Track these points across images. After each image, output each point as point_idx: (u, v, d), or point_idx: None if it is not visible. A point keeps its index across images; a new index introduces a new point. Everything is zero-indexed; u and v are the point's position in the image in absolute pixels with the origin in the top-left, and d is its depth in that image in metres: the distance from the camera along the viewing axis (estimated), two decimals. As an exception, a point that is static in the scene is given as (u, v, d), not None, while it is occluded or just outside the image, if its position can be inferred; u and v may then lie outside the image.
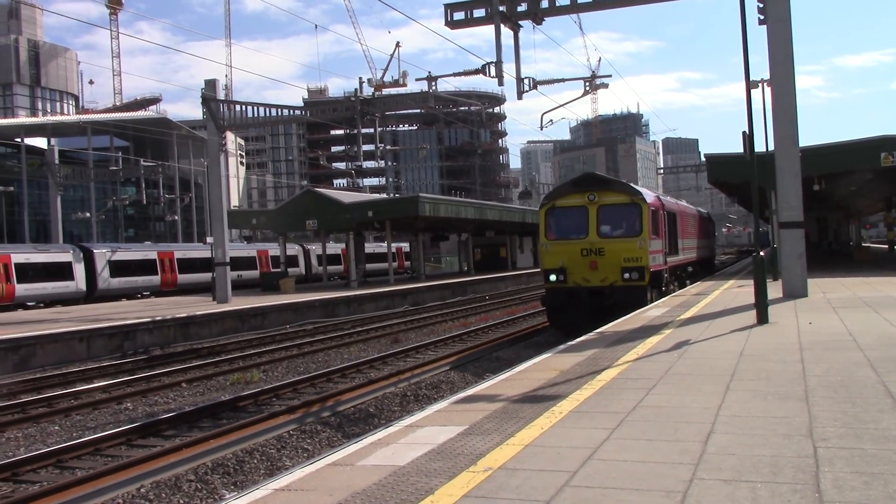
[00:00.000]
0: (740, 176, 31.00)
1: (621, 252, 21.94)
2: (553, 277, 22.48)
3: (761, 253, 16.47)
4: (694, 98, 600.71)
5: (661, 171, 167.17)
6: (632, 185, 24.47)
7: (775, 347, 11.79)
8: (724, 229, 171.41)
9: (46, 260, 44.32)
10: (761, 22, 20.18)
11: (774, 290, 19.62)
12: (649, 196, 23.65)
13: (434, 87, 34.99)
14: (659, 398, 8.51)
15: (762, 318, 14.86)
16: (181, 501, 9.75)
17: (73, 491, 9.85)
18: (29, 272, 42.48)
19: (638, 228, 22.13)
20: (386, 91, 68.28)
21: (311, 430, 13.13)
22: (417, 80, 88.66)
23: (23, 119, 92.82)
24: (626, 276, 21.72)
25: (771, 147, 23.88)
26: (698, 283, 31.61)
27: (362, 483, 5.85)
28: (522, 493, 5.41)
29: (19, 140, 74.50)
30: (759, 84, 31.01)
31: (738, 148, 21.85)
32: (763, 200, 29.86)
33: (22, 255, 43.00)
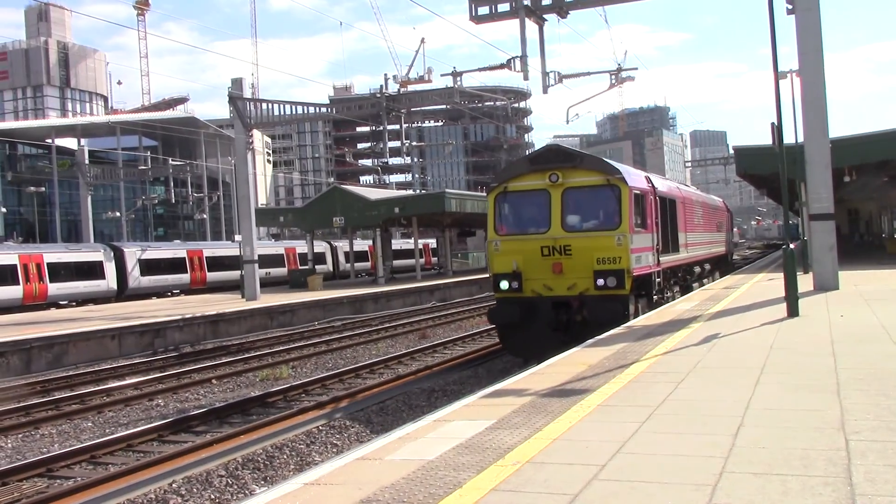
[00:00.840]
0: (769, 168, 30.64)
1: (594, 250, 16.65)
2: (504, 285, 17.12)
3: (791, 245, 16.32)
4: (722, 90, 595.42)
5: (689, 164, 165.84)
6: (609, 161, 18.44)
7: (806, 340, 11.67)
8: (753, 222, 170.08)
9: (78, 259, 44.87)
10: (789, 12, 19.96)
11: (805, 283, 19.39)
12: (633, 176, 18.29)
13: (459, 83, 34.96)
14: (688, 392, 8.46)
15: (793, 312, 14.71)
16: (212, 496, 9.84)
17: (107, 486, 9.98)
18: (61, 271, 43.02)
19: (616, 219, 16.80)
20: (411, 87, 68.29)
21: (339, 426, 13.19)
22: (442, 75, 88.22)
23: (53, 120, 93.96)
24: (601, 282, 16.45)
25: (800, 139, 23.62)
26: (727, 277, 31.32)
27: (391, 477, 5.87)
28: (551, 487, 5.40)
29: (50, 141, 75.41)
30: (788, 74, 30.69)
31: (767, 140, 21.19)
32: (793, 192, 29.55)
33: (54, 255, 43.56)
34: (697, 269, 25.64)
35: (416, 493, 5.43)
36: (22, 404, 16.42)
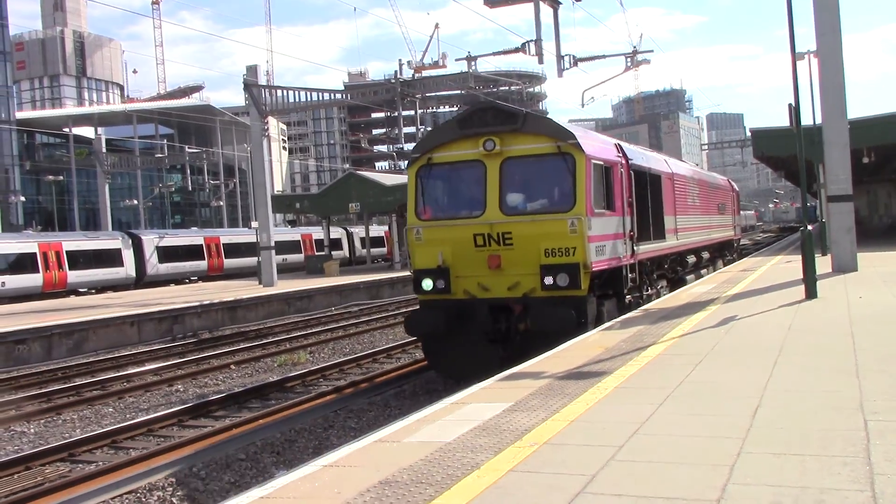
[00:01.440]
0: (787, 150, 30.44)
1: (541, 239, 13.04)
2: (427, 284, 13.67)
3: (809, 227, 16.23)
4: (739, 72, 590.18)
5: (706, 146, 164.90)
6: (560, 123, 14.27)
7: (824, 322, 11.63)
8: (770, 205, 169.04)
9: (96, 247, 45.17)
10: (807, -8, 19.76)
11: (823, 265, 19.31)
12: (595, 143, 14.44)
13: (474, 68, 34.84)
14: (706, 373, 8.45)
15: (811, 293, 14.65)
16: (232, 479, 9.93)
17: (128, 470, 10.07)
18: (80, 259, 43.33)
19: (569, 198, 13.12)
20: (426, 73, 68.08)
21: (357, 410, 13.26)
22: (457, 60, 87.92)
23: (70, 109, 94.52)
24: (549, 280, 12.85)
25: (818, 120, 23.44)
26: (744, 259, 31.18)
27: (409, 459, 5.92)
28: (568, 468, 5.43)
29: (67, 130, 75.88)
30: (806, 56, 30.41)
31: (785, 122, 20.94)
32: (810, 174, 29.36)
33: (73, 243, 43.87)
34: (692, 259, 22.09)
35: (434, 475, 5.47)
36: (43, 390, 16.59)
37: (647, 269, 16.91)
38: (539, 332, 12.64)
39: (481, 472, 5.46)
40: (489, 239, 13.27)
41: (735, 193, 32.37)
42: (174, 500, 9.27)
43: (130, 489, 9.54)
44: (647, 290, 17.03)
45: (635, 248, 15.32)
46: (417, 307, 14.63)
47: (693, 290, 18.53)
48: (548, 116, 15.13)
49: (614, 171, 14.43)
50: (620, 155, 15.22)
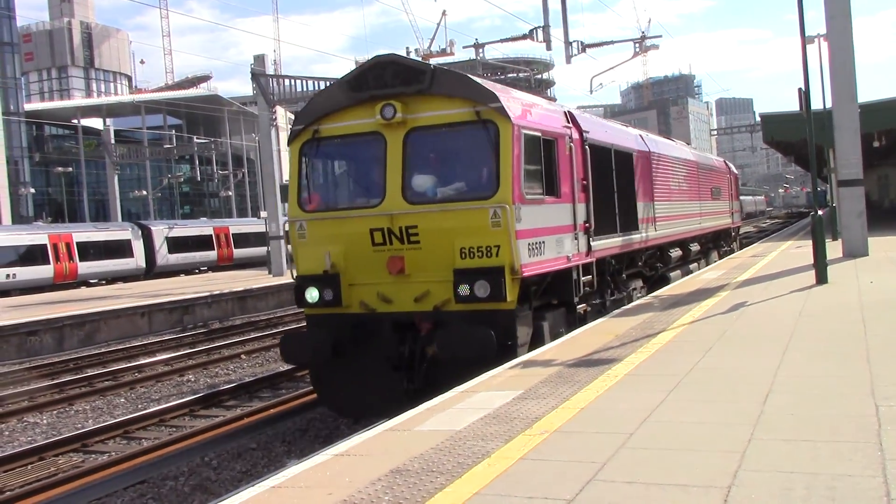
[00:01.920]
0: (797, 134, 30.33)
1: (455, 235, 10.05)
2: (312, 295, 10.68)
3: (819, 212, 16.15)
4: (747, 57, 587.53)
5: (715, 132, 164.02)
6: (481, 81, 10.98)
7: (835, 307, 11.59)
8: (780, 190, 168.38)
9: (106, 238, 45.34)
10: (816, -26, 19.63)
11: (834, 250, 19.23)
12: (526, 107, 11.06)
13: (482, 55, 34.79)
14: (716, 360, 8.44)
15: (821, 279, 14.60)
16: (244, 469, 9.97)
17: (141, 460, 10.14)
18: (90, 250, 43.50)
19: (491, 180, 10.22)
20: (433, 60, 68.01)
21: (368, 399, 13.28)
22: (465, 48, 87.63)
23: (78, 101, 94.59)
24: (464, 290, 9.83)
25: (828, 104, 23.29)
26: (753, 245, 31.06)
27: (420, 447, 5.93)
28: (579, 456, 5.43)
29: (76, 121, 75.99)
30: (815, 39, 30.21)
31: (795, 106, 20.77)
32: (821, 159, 29.19)
33: (83, 234, 44.04)
34: (677, 253, 18.93)
35: (444, 463, 5.48)
36: (56, 381, 16.70)
37: (611, 268, 13.94)
38: (446, 360, 9.79)
39: (492, 460, 5.46)
40: (389, 235, 10.28)
41: (733, 176, 28.79)
42: (186, 489, 9.31)
43: (143, 479, 9.60)
44: (613, 295, 14.03)
45: (592, 243, 12.26)
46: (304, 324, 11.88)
47: (703, 276, 18.48)
48: (465, 74, 11.06)
49: (559, 145, 11.38)
50: (570, 125, 12.07)
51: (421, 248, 10.17)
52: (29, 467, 10.39)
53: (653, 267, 17.31)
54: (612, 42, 35.39)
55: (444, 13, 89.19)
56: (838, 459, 4.94)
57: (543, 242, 10.68)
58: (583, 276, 11.95)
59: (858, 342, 8.73)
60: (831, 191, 31.93)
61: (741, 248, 29.73)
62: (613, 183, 13.93)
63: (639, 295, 15.52)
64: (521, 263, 9.92)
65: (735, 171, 30.48)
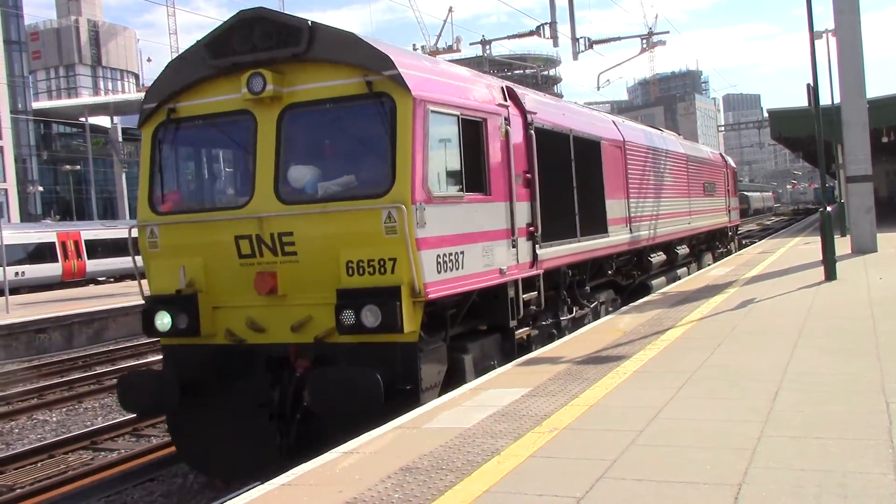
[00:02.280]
0: (805, 130, 30.24)
1: (341, 244, 7.75)
2: (164, 321, 8.34)
3: (828, 208, 16.10)
4: (755, 53, 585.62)
5: (722, 128, 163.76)
6: (373, 42, 8.02)
7: (844, 303, 11.56)
8: (788, 186, 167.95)
9: (114, 236, 45.39)
10: (825, -30, 19.57)
11: (842, 246, 19.18)
12: (436, 76, 8.72)
13: (488, 51, 34.76)
14: (725, 357, 8.42)
15: (830, 275, 14.56)
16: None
17: (149, 458, 10.16)
18: (98, 248, 43.61)
19: (385, 170, 7.80)
20: (440, 57, 67.97)
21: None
22: (471, 44, 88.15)
23: (86, 99, 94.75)
24: (348, 317, 7.52)
25: (837, 100, 23.22)
26: (762, 242, 30.98)
27: (429, 445, 5.93)
28: (588, 453, 5.43)
29: (83, 119, 76.17)
30: (823, 35, 30.12)
31: (803, 102, 20.72)
32: (829, 155, 29.09)
33: (91, 232, 44.16)
34: (659, 258, 16.53)
35: (454, 460, 5.48)
36: (65, 379, 16.76)
37: (569, 280, 11.53)
38: (319, 411, 7.59)
39: (501, 457, 5.46)
40: (259, 244, 8.03)
41: (729, 170, 26.03)
42: (195, 486, 9.32)
43: (152, 477, 9.62)
44: (570, 313, 11.50)
45: (538, 251, 9.99)
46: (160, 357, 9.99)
47: (710, 273, 18.44)
48: (353, 32, 8.19)
49: (488, 127, 8.99)
50: (507, 103, 9.66)
51: (298, 261, 7.92)
52: (39, 465, 10.45)
53: (629, 275, 15.02)
54: (618, 38, 35.41)
55: (450, 10, 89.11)
56: (849, 456, 4.93)
57: (462, 253, 8.28)
58: (525, 292, 9.59)
59: (868, 338, 8.70)
60: (839, 187, 31.84)
61: (741, 249, 28.05)
62: (572, 176, 11.58)
63: (609, 309, 13.31)
64: (426, 282, 7.59)
65: (732, 164, 27.88)
